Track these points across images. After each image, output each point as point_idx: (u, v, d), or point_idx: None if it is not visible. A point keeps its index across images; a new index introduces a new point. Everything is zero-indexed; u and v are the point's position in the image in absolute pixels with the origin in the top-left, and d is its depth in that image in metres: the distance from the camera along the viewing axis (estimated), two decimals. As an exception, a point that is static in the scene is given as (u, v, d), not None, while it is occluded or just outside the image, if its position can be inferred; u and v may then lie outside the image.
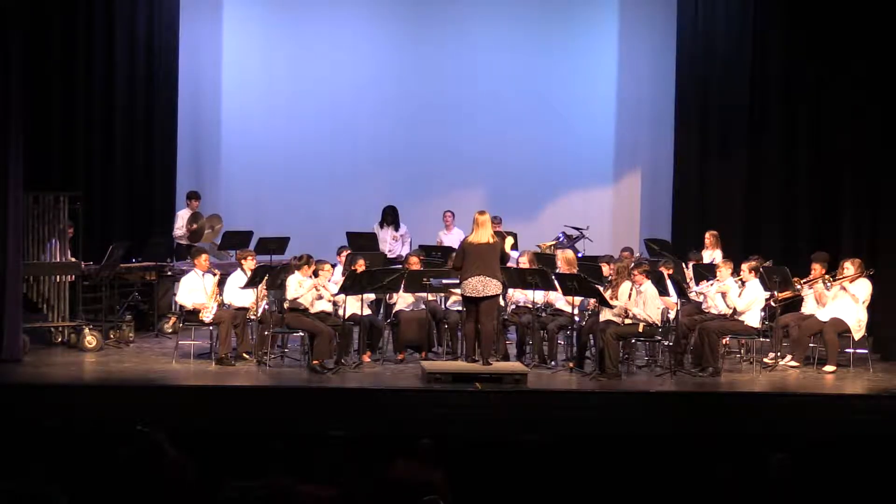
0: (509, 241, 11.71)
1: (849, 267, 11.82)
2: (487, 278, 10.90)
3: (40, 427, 8.52)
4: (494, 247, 11.03)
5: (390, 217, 14.82)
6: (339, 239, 13.72)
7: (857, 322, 11.70)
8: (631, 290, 11.26)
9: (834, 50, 13.65)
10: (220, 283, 11.93)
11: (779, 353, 11.98)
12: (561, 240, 14.17)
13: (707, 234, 13.59)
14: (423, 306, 12.08)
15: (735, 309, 11.53)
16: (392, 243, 14.65)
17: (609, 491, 7.64)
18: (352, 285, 11.42)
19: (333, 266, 12.11)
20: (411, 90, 16.21)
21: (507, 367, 11.13)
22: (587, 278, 11.47)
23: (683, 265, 12.80)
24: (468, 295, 10.98)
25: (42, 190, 12.14)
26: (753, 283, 11.57)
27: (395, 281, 11.65)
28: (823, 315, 11.84)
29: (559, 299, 11.79)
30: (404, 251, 14.38)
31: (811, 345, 12.00)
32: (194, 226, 14.33)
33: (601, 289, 11.46)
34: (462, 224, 14.56)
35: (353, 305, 11.71)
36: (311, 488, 6.66)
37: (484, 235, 11.02)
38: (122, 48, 14.61)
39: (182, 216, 14.53)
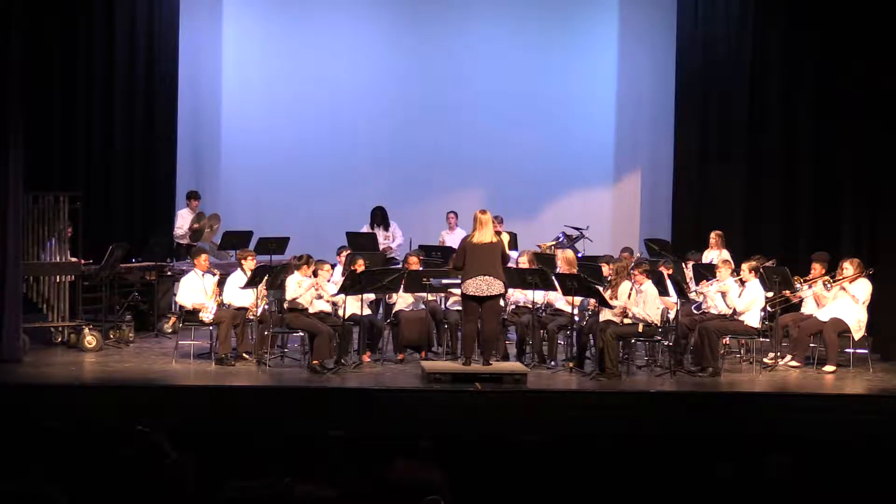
0: (505, 237, 11.66)
1: (848, 267, 11.82)
2: (491, 278, 10.87)
3: (40, 427, 8.51)
4: (496, 246, 10.99)
5: (380, 217, 14.82)
6: (338, 239, 13.73)
7: (857, 322, 11.70)
8: (631, 289, 11.26)
9: (834, 50, 13.66)
10: (220, 283, 11.94)
11: (779, 353, 11.98)
12: (561, 240, 14.17)
13: (712, 234, 13.59)
14: (423, 306, 12.08)
15: (735, 309, 11.52)
16: (384, 242, 14.65)
17: (609, 491, 7.63)
18: (352, 285, 11.42)
19: (333, 266, 12.11)
20: (411, 90, 16.22)
21: (507, 367, 11.13)
22: (587, 278, 11.47)
23: (683, 265, 12.80)
24: (471, 294, 10.91)
25: (42, 190, 12.15)
26: (753, 283, 11.56)
27: (395, 281, 11.65)
28: (823, 315, 11.84)
29: (559, 299, 11.79)
30: (395, 245, 14.42)
31: (811, 345, 12.00)
32: (196, 225, 14.35)
33: (601, 289, 11.46)
34: (465, 225, 14.57)
35: (353, 305, 11.71)
36: (311, 488, 6.65)
37: (486, 235, 10.97)
38: (122, 48, 14.62)
39: (183, 216, 14.55)
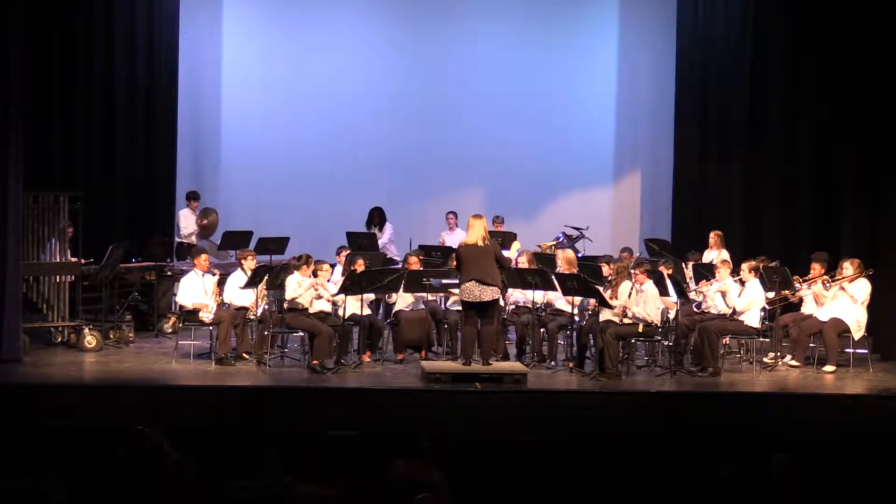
0: (516, 245, 11.52)
1: (848, 267, 11.82)
2: (483, 284, 10.80)
3: (40, 427, 8.52)
4: (487, 249, 10.91)
5: (377, 218, 14.82)
6: (338, 239, 13.72)
7: (857, 322, 11.70)
8: (631, 289, 11.25)
9: (834, 50, 13.64)
10: (220, 283, 11.94)
11: (779, 353, 11.98)
12: (561, 240, 14.17)
13: (711, 234, 13.58)
14: (423, 306, 12.08)
15: (735, 309, 11.52)
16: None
17: (609, 491, 7.63)
18: (352, 285, 11.42)
19: (333, 266, 12.11)
20: (411, 90, 16.22)
21: (507, 367, 11.13)
22: (587, 278, 11.47)
23: (683, 265, 12.80)
24: (465, 300, 10.91)
25: (42, 190, 12.14)
26: (753, 283, 11.56)
27: (395, 281, 11.65)
28: (823, 315, 11.84)
29: (559, 299, 11.78)
30: (380, 242, 14.40)
31: (811, 345, 11.99)
32: (205, 221, 14.40)
33: (601, 289, 11.46)
34: (465, 225, 14.55)
35: (353, 305, 11.70)
36: (311, 488, 6.66)
37: (473, 237, 10.94)
38: (122, 48, 14.61)
39: (185, 216, 14.57)
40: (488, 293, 10.84)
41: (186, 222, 14.53)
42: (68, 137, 14.23)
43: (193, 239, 14.43)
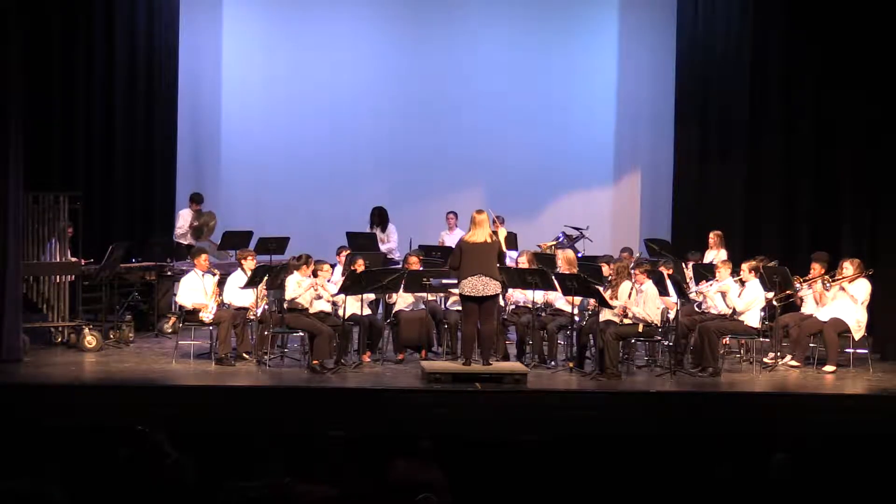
0: (502, 232, 11.49)
1: (848, 267, 11.82)
2: (487, 278, 10.84)
3: (40, 427, 8.52)
4: (493, 246, 10.95)
5: (378, 218, 14.80)
6: (338, 239, 13.72)
7: (857, 322, 11.70)
8: (631, 289, 11.25)
9: (834, 50, 13.64)
10: (220, 283, 11.94)
11: (779, 353, 11.98)
12: (561, 240, 14.16)
13: (711, 234, 13.58)
14: (423, 306, 12.07)
15: (735, 309, 11.52)
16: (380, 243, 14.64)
17: (609, 491, 7.63)
18: (352, 285, 11.42)
19: (333, 266, 12.11)
20: (411, 90, 16.22)
21: (507, 367, 11.13)
22: (587, 278, 11.46)
23: (683, 265, 12.80)
24: (468, 294, 10.92)
25: (42, 190, 12.14)
26: (753, 283, 11.56)
27: (395, 281, 11.65)
28: (823, 315, 11.84)
29: (559, 299, 11.78)
30: (385, 248, 14.38)
31: (811, 345, 11.99)
32: (196, 223, 14.38)
33: (601, 289, 11.46)
34: (465, 225, 14.56)
35: (353, 305, 11.70)
36: (311, 488, 6.65)
37: (481, 235, 10.95)
38: (122, 48, 14.62)
39: (184, 216, 14.56)
40: (491, 287, 10.87)
41: (183, 222, 14.51)
42: (68, 137, 14.23)
43: (187, 239, 14.38)
